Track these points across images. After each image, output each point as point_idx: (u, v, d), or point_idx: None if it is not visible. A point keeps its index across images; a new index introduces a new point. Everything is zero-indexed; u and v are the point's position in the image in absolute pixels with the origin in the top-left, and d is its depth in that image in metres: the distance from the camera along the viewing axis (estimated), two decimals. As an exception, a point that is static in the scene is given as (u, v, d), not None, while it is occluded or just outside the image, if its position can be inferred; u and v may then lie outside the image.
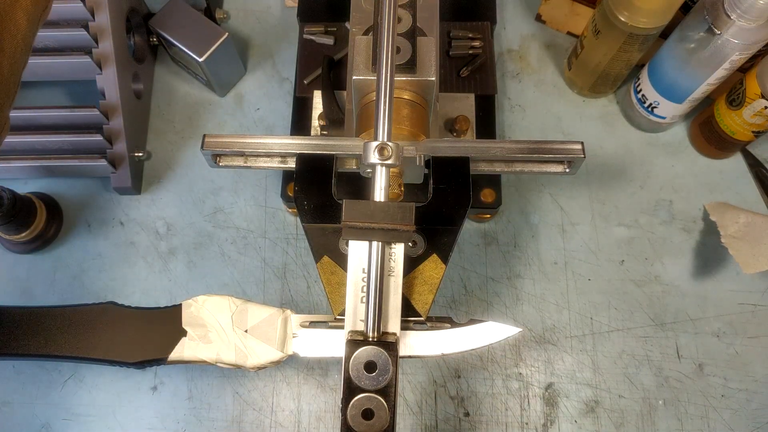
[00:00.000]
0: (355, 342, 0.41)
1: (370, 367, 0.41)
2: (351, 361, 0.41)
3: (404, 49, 0.48)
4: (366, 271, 0.43)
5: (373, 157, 0.41)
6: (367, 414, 0.40)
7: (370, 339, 0.42)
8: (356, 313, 0.43)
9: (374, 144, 0.41)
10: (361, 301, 0.43)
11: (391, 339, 0.42)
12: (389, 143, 0.42)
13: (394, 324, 0.43)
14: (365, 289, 0.43)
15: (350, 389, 0.41)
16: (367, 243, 0.42)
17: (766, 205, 0.66)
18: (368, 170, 0.50)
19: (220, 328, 0.46)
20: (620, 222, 0.66)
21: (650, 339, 0.62)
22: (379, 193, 0.42)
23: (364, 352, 0.41)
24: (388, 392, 0.41)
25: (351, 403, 0.40)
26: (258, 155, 0.52)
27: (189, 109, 0.72)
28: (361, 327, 0.43)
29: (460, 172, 0.50)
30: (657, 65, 0.62)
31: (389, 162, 0.41)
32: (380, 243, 0.42)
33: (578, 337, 0.62)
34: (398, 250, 0.44)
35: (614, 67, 0.64)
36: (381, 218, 0.41)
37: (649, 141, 0.69)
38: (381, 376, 0.41)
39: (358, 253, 0.44)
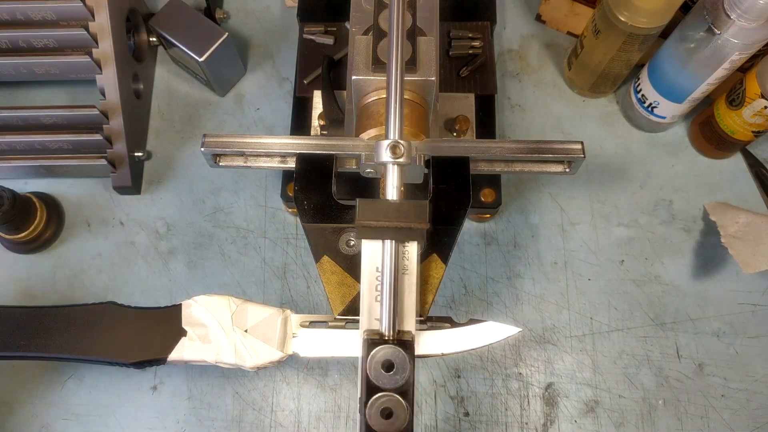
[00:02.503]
0: (373, 341, 0.41)
1: (388, 366, 0.41)
2: (369, 360, 0.40)
3: (404, 49, 0.48)
4: (380, 270, 0.42)
5: (386, 156, 0.41)
6: (387, 413, 0.40)
7: (387, 338, 0.42)
8: (371, 313, 0.43)
9: (386, 142, 0.41)
10: (376, 300, 0.43)
11: (407, 338, 0.42)
12: (401, 141, 0.41)
13: (409, 322, 0.43)
14: (380, 288, 0.43)
15: (369, 389, 0.40)
16: (380, 242, 0.42)
17: (766, 205, 0.66)
18: (368, 170, 0.50)
19: (220, 328, 0.46)
20: (620, 222, 0.66)
21: (650, 339, 0.62)
22: (392, 192, 0.42)
23: (381, 352, 0.41)
24: (406, 391, 0.40)
25: (370, 402, 0.40)
26: (258, 155, 0.52)
27: (189, 109, 0.72)
28: (376, 326, 0.43)
29: (460, 172, 0.50)
30: (657, 65, 0.62)
31: (401, 160, 0.41)
32: (394, 241, 0.42)
33: (578, 337, 0.62)
34: (412, 248, 0.43)
35: (614, 67, 0.64)
36: (395, 217, 0.41)
37: (649, 141, 0.69)
38: (399, 375, 0.40)
39: (372, 252, 0.43)
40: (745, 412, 0.60)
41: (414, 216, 0.41)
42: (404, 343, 0.41)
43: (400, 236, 0.42)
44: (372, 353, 0.41)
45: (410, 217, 0.41)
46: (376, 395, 0.40)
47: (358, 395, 0.41)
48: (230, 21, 0.75)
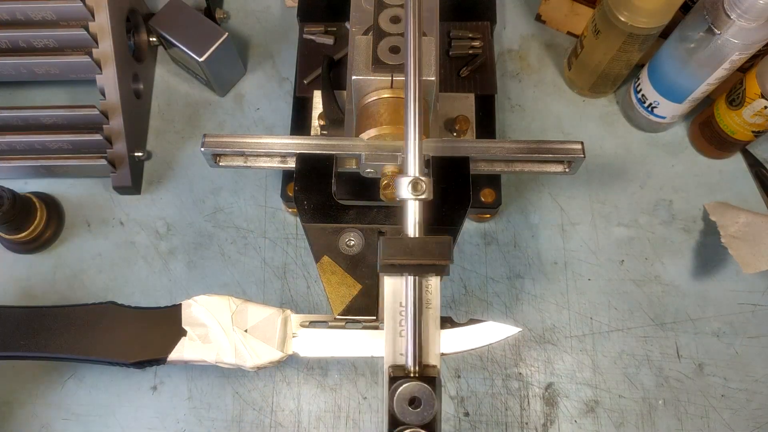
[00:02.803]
0: (398, 377, 0.41)
1: (413, 402, 0.40)
2: (395, 397, 0.40)
3: (404, 49, 0.48)
4: (403, 305, 0.42)
5: (406, 193, 0.41)
6: None
7: (412, 374, 0.41)
8: (395, 347, 0.42)
9: (407, 180, 0.41)
10: (400, 335, 0.42)
11: (432, 373, 0.42)
12: (422, 178, 0.41)
13: (434, 356, 0.43)
14: (403, 323, 0.42)
15: (395, 425, 0.40)
16: (403, 277, 0.42)
17: (766, 205, 0.66)
18: (368, 170, 0.50)
19: (220, 328, 0.46)
20: (620, 222, 0.66)
21: (650, 339, 0.62)
22: (414, 229, 0.41)
23: (407, 389, 0.40)
24: (432, 427, 0.40)
25: None
26: (258, 155, 0.52)
27: (189, 109, 0.72)
28: (401, 361, 0.42)
29: (460, 172, 0.50)
30: (657, 65, 0.62)
31: (423, 197, 0.41)
32: (416, 277, 0.41)
33: (578, 337, 0.62)
34: (434, 282, 0.43)
35: (614, 67, 0.64)
36: (419, 254, 0.40)
37: (649, 141, 0.69)
38: (426, 412, 0.40)
39: (394, 286, 0.43)
40: (745, 412, 0.60)
41: (438, 253, 0.41)
42: (430, 379, 0.41)
43: (424, 272, 0.41)
44: (398, 390, 0.40)
45: (434, 255, 0.41)
46: (404, 429, 0.40)
47: (384, 430, 0.40)
48: (230, 21, 0.75)
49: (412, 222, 0.42)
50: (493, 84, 0.63)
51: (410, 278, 0.41)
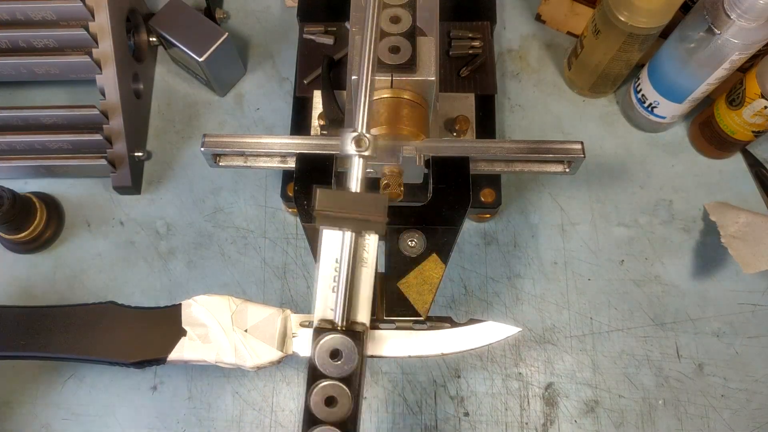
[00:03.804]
0: (322, 330, 0.42)
1: (335, 354, 0.41)
2: (317, 348, 0.41)
3: (404, 49, 0.48)
4: (338, 260, 0.43)
5: (351, 148, 0.41)
6: (330, 401, 0.41)
7: (338, 327, 0.42)
8: (326, 302, 0.43)
9: (351, 135, 0.41)
10: (332, 291, 0.43)
11: (359, 329, 0.42)
12: (366, 134, 0.41)
13: (363, 314, 0.43)
14: (336, 278, 0.43)
15: (314, 376, 0.41)
16: (340, 232, 0.42)
17: (766, 205, 0.66)
18: (368, 170, 0.50)
19: (220, 328, 0.46)
20: (620, 222, 0.66)
21: (650, 339, 0.62)
22: (355, 184, 0.42)
23: (330, 341, 0.41)
24: (352, 381, 0.41)
25: (314, 389, 0.41)
26: (258, 155, 0.52)
27: (189, 109, 0.72)
28: (329, 316, 0.43)
29: (460, 172, 0.50)
30: (657, 65, 0.62)
31: (366, 153, 0.41)
32: (353, 233, 0.42)
33: (578, 337, 0.62)
34: (372, 242, 0.43)
35: (614, 67, 0.64)
36: (354, 208, 0.41)
37: (649, 141, 0.69)
38: (346, 365, 0.41)
39: (331, 241, 0.43)
40: (745, 412, 0.60)
41: (373, 208, 0.41)
42: (355, 333, 0.41)
43: (359, 227, 0.42)
44: (320, 341, 0.41)
45: (369, 210, 0.41)
46: (321, 382, 0.41)
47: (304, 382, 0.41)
48: (230, 21, 0.75)
49: (355, 178, 0.42)
50: (493, 84, 0.63)
51: (347, 234, 0.42)
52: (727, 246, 0.59)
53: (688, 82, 0.60)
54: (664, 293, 0.63)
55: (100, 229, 0.67)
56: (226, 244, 0.66)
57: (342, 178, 0.54)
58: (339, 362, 0.41)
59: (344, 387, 0.41)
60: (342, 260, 0.42)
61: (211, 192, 0.68)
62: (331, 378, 0.41)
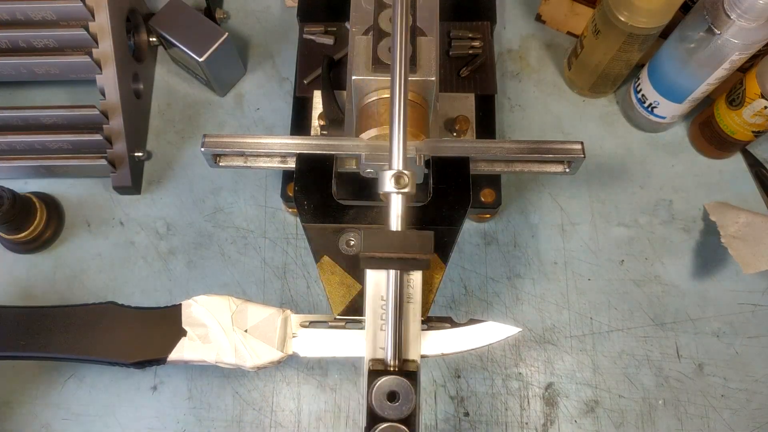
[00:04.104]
0: (377, 372, 0.41)
1: (392, 396, 0.40)
2: (374, 391, 0.40)
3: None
4: (384, 298, 0.42)
5: (389, 186, 0.41)
6: None
7: (391, 368, 0.42)
8: (376, 341, 0.43)
9: (390, 173, 0.41)
10: (381, 329, 0.43)
11: (412, 368, 0.42)
12: (405, 172, 0.41)
13: (414, 351, 0.43)
14: (384, 317, 0.43)
15: (374, 419, 0.40)
16: (385, 271, 0.42)
17: (766, 205, 0.66)
18: (368, 170, 0.50)
19: (220, 328, 0.46)
20: (620, 222, 0.66)
21: (650, 339, 0.62)
22: (396, 222, 0.42)
23: (386, 382, 0.41)
24: (411, 421, 0.40)
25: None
26: (258, 155, 0.52)
27: (189, 109, 0.72)
28: (381, 355, 0.42)
29: (460, 172, 0.50)
30: (657, 65, 0.62)
31: (406, 191, 0.41)
32: (399, 271, 0.41)
33: (578, 337, 0.62)
34: (417, 277, 0.43)
35: (614, 67, 0.64)
36: (400, 248, 0.41)
37: (649, 141, 0.69)
38: (404, 406, 0.40)
39: (376, 280, 0.43)
40: (745, 412, 0.60)
41: (419, 247, 0.41)
42: (409, 373, 0.41)
43: (405, 266, 0.42)
44: (377, 384, 0.40)
45: (415, 248, 0.41)
46: (381, 426, 0.40)
47: (362, 424, 0.41)
48: (230, 21, 0.75)
49: (395, 215, 0.42)
50: (493, 84, 0.63)
51: (392, 272, 0.42)
52: (727, 246, 0.59)
53: (688, 82, 0.60)
54: (664, 293, 0.63)
55: (100, 229, 0.67)
56: (226, 244, 0.66)
57: (343, 179, 0.54)
58: (397, 404, 0.40)
59: (404, 428, 0.40)
60: (388, 300, 0.42)
61: (211, 192, 0.68)
62: (390, 420, 0.40)
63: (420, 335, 0.43)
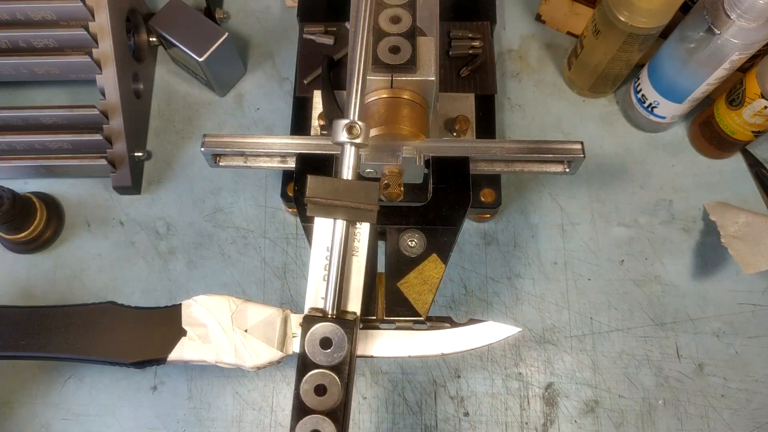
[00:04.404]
0: (313, 318, 0.41)
1: (325, 343, 0.41)
2: (307, 336, 0.41)
3: (404, 49, 0.48)
4: (329, 249, 0.43)
5: (342, 136, 0.41)
6: (320, 390, 0.41)
7: (329, 316, 0.42)
8: (317, 291, 0.43)
9: (343, 122, 0.41)
10: (323, 280, 0.43)
11: (350, 317, 0.42)
12: (358, 122, 0.41)
13: (354, 304, 0.43)
14: (328, 267, 0.43)
15: (304, 365, 0.41)
16: (332, 221, 0.42)
17: (766, 205, 0.66)
18: (368, 170, 0.50)
19: (220, 328, 0.46)
20: (620, 222, 0.66)
21: (650, 339, 0.62)
22: (347, 172, 0.42)
23: (320, 329, 0.41)
24: (342, 369, 0.41)
25: (304, 378, 0.41)
26: (258, 155, 0.52)
27: (189, 109, 0.72)
28: (320, 304, 0.43)
29: (460, 172, 0.50)
30: (657, 65, 0.62)
31: (358, 141, 0.41)
32: (344, 221, 0.42)
33: (578, 337, 0.62)
34: (364, 231, 0.43)
35: (614, 67, 0.64)
36: (345, 196, 0.41)
37: (649, 141, 0.69)
38: (336, 353, 0.41)
39: (323, 231, 0.43)
40: (745, 412, 0.60)
41: (364, 197, 0.41)
42: (345, 321, 0.41)
43: (351, 216, 0.42)
44: (310, 329, 0.41)
45: (360, 198, 0.41)
46: (311, 371, 0.40)
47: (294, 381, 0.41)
48: (230, 21, 0.75)
49: (347, 166, 0.42)
50: (493, 84, 0.63)
51: (338, 222, 0.42)
52: (727, 246, 0.59)
53: (688, 82, 0.60)
54: (664, 293, 0.63)
55: (100, 229, 0.67)
56: (226, 244, 0.66)
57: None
58: (329, 351, 0.41)
59: (334, 375, 0.40)
60: (333, 249, 0.42)
61: (211, 192, 0.68)
62: (321, 366, 0.41)
63: (361, 289, 0.43)
